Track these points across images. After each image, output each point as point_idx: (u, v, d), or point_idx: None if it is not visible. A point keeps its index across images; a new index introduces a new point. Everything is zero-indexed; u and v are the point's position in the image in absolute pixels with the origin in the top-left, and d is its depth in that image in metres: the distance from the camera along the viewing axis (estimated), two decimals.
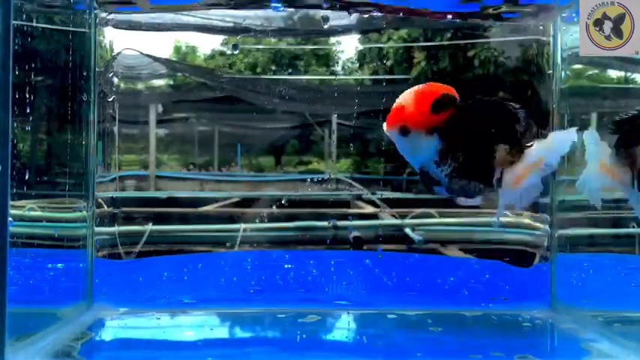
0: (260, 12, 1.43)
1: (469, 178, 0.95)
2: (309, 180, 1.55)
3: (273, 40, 1.56)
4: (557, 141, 0.95)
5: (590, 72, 1.38)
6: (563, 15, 1.36)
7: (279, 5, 1.37)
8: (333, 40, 1.55)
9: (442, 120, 0.91)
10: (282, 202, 1.52)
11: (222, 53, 1.56)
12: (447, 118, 0.91)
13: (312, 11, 1.46)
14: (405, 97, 0.92)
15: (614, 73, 1.34)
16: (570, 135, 0.95)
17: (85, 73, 1.30)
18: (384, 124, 0.94)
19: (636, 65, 1.24)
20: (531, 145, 0.95)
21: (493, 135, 0.93)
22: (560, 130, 0.96)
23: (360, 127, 1.51)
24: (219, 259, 1.50)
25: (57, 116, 1.24)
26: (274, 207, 1.53)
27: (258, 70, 1.56)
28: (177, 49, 1.55)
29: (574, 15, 1.29)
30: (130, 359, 1.12)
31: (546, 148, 0.95)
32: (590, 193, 0.98)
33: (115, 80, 1.41)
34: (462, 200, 1.00)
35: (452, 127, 0.92)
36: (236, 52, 1.52)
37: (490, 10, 1.41)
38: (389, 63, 1.61)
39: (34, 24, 1.06)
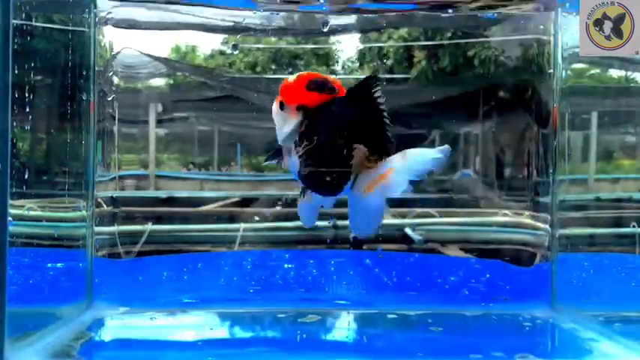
0: (259, 12, 1.43)
1: (320, 166, 0.95)
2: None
3: (273, 39, 1.56)
4: (413, 157, 0.95)
5: (591, 71, 1.38)
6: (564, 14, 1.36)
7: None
8: (333, 39, 1.55)
9: (314, 102, 0.93)
10: (281, 202, 1.52)
11: (222, 52, 1.56)
12: (319, 102, 0.93)
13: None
14: (291, 77, 0.97)
15: (614, 73, 1.34)
16: (429, 153, 0.95)
17: (84, 73, 1.30)
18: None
19: (636, 65, 1.23)
20: (388, 156, 0.95)
21: (357, 133, 0.94)
22: (419, 148, 0.95)
23: None
24: (219, 259, 1.50)
25: (56, 116, 1.23)
26: (276, 206, 1.53)
27: (258, 69, 1.56)
28: (177, 49, 1.55)
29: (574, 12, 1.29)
30: (130, 359, 1.12)
31: (399, 162, 0.94)
32: None
33: (115, 79, 1.40)
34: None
35: (319, 110, 0.93)
36: (236, 52, 1.51)
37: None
38: (389, 62, 1.60)
39: (34, 23, 1.06)
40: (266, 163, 1.06)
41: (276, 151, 1.01)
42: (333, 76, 0.98)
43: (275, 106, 0.98)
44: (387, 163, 0.95)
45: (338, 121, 0.95)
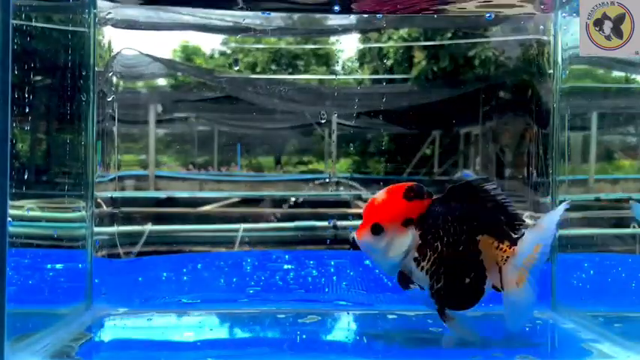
0: (259, 12, 1.43)
1: (455, 272, 0.88)
2: (310, 184, 1.55)
3: (273, 39, 1.55)
4: (549, 223, 0.90)
5: (591, 72, 1.38)
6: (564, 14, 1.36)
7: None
8: (333, 39, 1.54)
9: (417, 211, 0.88)
10: (291, 203, 1.51)
11: (222, 53, 1.55)
12: (421, 210, 0.88)
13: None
14: (376, 197, 0.91)
15: (614, 73, 1.34)
16: (558, 213, 0.91)
17: (84, 73, 1.30)
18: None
19: (636, 65, 1.23)
20: (522, 235, 0.90)
21: (477, 224, 0.89)
22: (550, 212, 0.91)
23: (360, 127, 1.51)
24: (219, 259, 1.50)
25: (56, 116, 1.23)
26: (285, 206, 1.53)
27: (258, 69, 1.55)
28: (177, 49, 1.54)
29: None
30: (129, 359, 1.12)
31: (541, 234, 0.89)
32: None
33: (115, 80, 1.40)
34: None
35: (428, 217, 0.88)
36: (236, 67, 1.51)
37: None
38: (389, 62, 1.60)
39: (34, 23, 1.05)
40: (407, 289, 0.96)
41: (402, 278, 0.92)
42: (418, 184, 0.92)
43: (365, 236, 0.90)
44: (529, 242, 0.88)
45: (455, 219, 0.88)
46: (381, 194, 0.90)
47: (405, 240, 0.88)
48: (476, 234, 0.88)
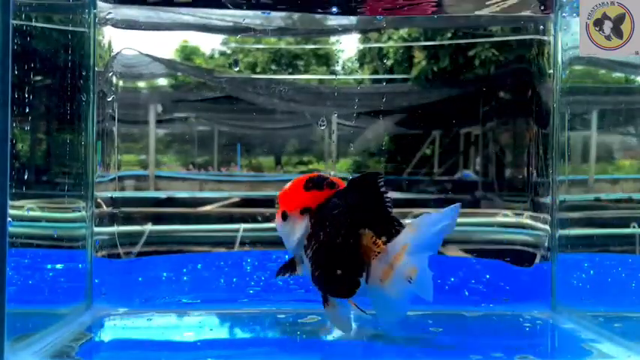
0: (259, 11, 1.43)
1: (329, 262, 0.91)
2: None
3: (273, 39, 1.55)
4: (423, 224, 0.91)
5: (591, 72, 1.38)
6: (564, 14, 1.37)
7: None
8: (333, 39, 1.54)
9: (316, 201, 0.92)
10: None
11: (222, 53, 1.55)
12: (321, 201, 0.91)
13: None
14: (286, 185, 0.95)
15: (614, 73, 1.34)
16: (438, 219, 0.90)
17: (84, 73, 1.30)
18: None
19: (636, 66, 1.23)
20: (397, 233, 0.92)
21: (362, 219, 0.91)
22: (427, 215, 0.91)
23: (360, 127, 1.51)
24: (219, 259, 1.50)
25: (56, 116, 1.23)
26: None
27: (258, 69, 1.55)
28: (177, 49, 1.54)
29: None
30: (129, 359, 1.12)
31: (411, 235, 0.90)
32: None
33: (115, 80, 1.40)
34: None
35: (323, 208, 0.92)
36: (236, 68, 1.51)
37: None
38: (389, 62, 1.60)
39: (34, 23, 1.05)
40: (278, 277, 1.01)
41: (286, 264, 0.97)
42: (327, 174, 0.96)
43: (278, 220, 0.95)
44: (398, 241, 0.90)
45: (344, 212, 0.91)
46: (288, 184, 0.95)
47: (300, 228, 0.92)
48: (358, 227, 0.90)
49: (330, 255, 0.92)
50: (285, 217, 0.94)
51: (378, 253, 0.91)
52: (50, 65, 1.18)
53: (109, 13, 1.37)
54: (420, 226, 0.90)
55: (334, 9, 1.41)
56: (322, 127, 1.17)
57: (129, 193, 1.47)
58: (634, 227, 1.27)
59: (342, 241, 0.91)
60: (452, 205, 0.91)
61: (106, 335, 1.22)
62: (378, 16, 1.47)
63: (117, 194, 1.41)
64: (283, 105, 1.51)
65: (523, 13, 1.45)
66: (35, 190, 1.12)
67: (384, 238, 0.92)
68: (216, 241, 1.52)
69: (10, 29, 0.88)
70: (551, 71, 1.39)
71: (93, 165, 1.34)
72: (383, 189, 0.93)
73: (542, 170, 1.42)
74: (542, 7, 1.42)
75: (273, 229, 1.54)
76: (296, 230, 0.93)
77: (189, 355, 1.11)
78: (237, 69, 1.51)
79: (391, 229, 0.92)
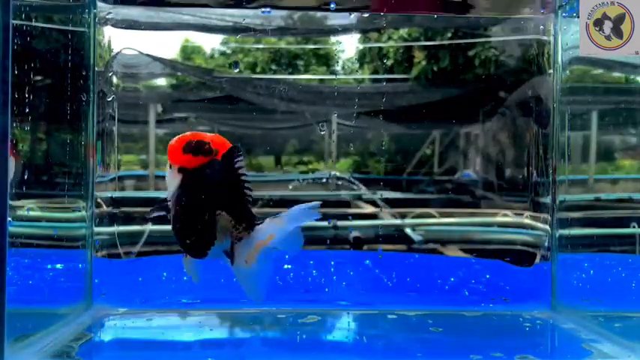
0: (259, 11, 1.43)
1: (185, 228, 0.96)
2: (300, 180, 1.55)
3: (273, 39, 1.55)
4: (289, 218, 0.95)
5: (591, 72, 1.38)
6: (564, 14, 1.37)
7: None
8: (333, 39, 1.54)
9: (191, 164, 0.95)
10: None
11: (222, 53, 1.55)
12: (195, 165, 0.94)
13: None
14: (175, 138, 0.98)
15: (614, 73, 1.34)
16: (303, 212, 0.95)
17: (84, 73, 1.30)
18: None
19: (636, 66, 1.23)
20: (261, 223, 0.96)
21: (223, 199, 0.95)
22: (293, 209, 0.95)
23: (360, 127, 1.51)
24: (219, 259, 1.50)
25: (56, 116, 1.23)
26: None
27: (258, 69, 1.55)
28: (177, 49, 1.54)
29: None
30: (129, 359, 1.12)
31: (278, 227, 0.95)
32: None
33: (115, 80, 1.40)
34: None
35: (193, 173, 0.95)
36: (236, 70, 1.51)
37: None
38: (389, 62, 1.60)
39: (34, 23, 1.05)
40: (151, 215, 1.05)
41: (161, 204, 1.01)
42: (212, 135, 0.98)
43: (167, 166, 0.99)
44: (264, 230, 0.95)
45: (206, 185, 0.95)
46: (176, 138, 0.98)
47: (175, 182, 0.96)
48: (219, 206, 0.95)
49: (187, 219, 0.96)
50: (170, 166, 0.98)
51: (241, 237, 0.95)
52: (50, 65, 1.18)
53: (109, 13, 1.37)
54: (287, 221, 0.95)
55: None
56: (322, 132, 1.18)
57: (129, 193, 1.47)
58: (634, 227, 1.27)
59: (199, 213, 0.96)
60: (313, 203, 0.96)
61: (106, 335, 1.22)
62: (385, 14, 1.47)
63: (117, 194, 1.41)
64: (283, 105, 1.51)
65: (523, 13, 1.45)
66: (35, 190, 1.12)
67: (242, 226, 0.96)
68: None
69: (10, 29, 0.88)
70: (551, 71, 1.39)
71: (93, 165, 1.34)
72: (239, 165, 0.96)
73: (542, 170, 1.42)
74: (542, 7, 1.42)
75: None
76: (173, 183, 0.97)
77: (189, 355, 1.11)
78: (237, 70, 1.51)
79: (248, 216, 0.97)
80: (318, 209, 0.95)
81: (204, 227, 0.96)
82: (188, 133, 0.98)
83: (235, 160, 0.97)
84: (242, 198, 0.96)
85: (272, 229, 0.95)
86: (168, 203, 0.99)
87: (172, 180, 0.97)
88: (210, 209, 0.95)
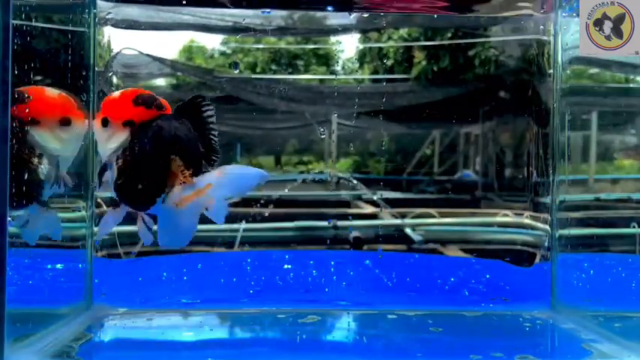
0: (259, 11, 1.43)
1: (135, 177, 0.95)
2: (299, 180, 1.55)
3: (273, 39, 1.55)
4: (231, 174, 0.96)
5: (591, 71, 1.38)
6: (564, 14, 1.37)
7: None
8: (333, 39, 1.55)
9: (140, 117, 0.95)
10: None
11: (222, 53, 1.56)
12: (145, 118, 0.95)
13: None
14: (115, 93, 0.98)
15: (614, 73, 1.34)
16: (248, 170, 0.97)
17: (84, 73, 1.30)
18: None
19: (636, 65, 1.24)
20: (205, 172, 0.96)
21: (177, 146, 0.95)
22: (238, 165, 0.96)
23: (360, 127, 1.51)
24: (219, 259, 1.50)
25: None
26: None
27: (258, 69, 1.55)
28: (177, 49, 1.54)
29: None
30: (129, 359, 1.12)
31: (216, 178, 0.95)
32: None
33: (115, 80, 1.40)
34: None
35: (145, 126, 0.95)
36: (236, 71, 1.51)
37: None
38: (389, 62, 1.60)
39: (34, 23, 1.05)
40: (97, 188, 1.05)
41: (101, 169, 1.00)
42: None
43: (97, 123, 0.97)
44: (204, 179, 0.95)
45: (160, 135, 0.95)
46: (117, 93, 0.97)
47: (118, 138, 0.95)
48: (170, 153, 0.95)
49: (137, 168, 0.95)
50: (105, 123, 0.96)
51: (184, 182, 0.95)
52: (50, 65, 1.18)
53: (109, 13, 1.37)
54: (226, 174, 0.95)
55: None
56: (322, 137, 1.18)
57: None
58: (634, 227, 1.27)
59: (152, 160, 0.95)
60: (263, 171, 0.97)
61: (106, 335, 1.22)
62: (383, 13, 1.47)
63: None
64: (283, 105, 1.51)
65: (523, 13, 1.45)
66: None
67: (191, 170, 0.96)
68: (216, 241, 1.51)
69: (10, 29, 0.88)
70: (551, 71, 1.39)
71: (93, 165, 1.34)
72: (208, 114, 0.96)
73: (542, 170, 1.42)
74: (542, 7, 1.42)
75: (273, 229, 1.55)
76: (114, 139, 0.95)
77: (189, 355, 1.11)
78: (237, 71, 1.51)
79: (201, 164, 0.97)
80: (265, 178, 0.95)
81: (156, 174, 0.95)
82: (129, 88, 0.98)
83: (204, 109, 0.96)
84: (208, 145, 0.97)
85: (211, 179, 0.95)
86: (109, 163, 0.97)
87: (114, 136, 0.95)
88: (166, 156, 0.95)
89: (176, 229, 0.97)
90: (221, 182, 0.95)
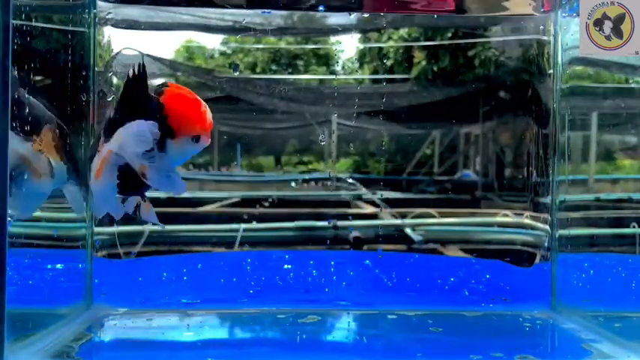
0: (259, 11, 1.43)
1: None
2: (297, 181, 1.55)
3: (273, 39, 1.56)
4: (126, 134, 0.92)
5: (591, 72, 1.38)
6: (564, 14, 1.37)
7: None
8: (333, 39, 1.55)
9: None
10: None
11: (222, 53, 1.56)
12: None
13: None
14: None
15: (614, 73, 1.34)
16: (139, 127, 0.91)
17: (84, 73, 1.30)
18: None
19: (636, 65, 1.23)
20: (108, 139, 0.94)
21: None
22: (131, 124, 0.92)
23: (360, 127, 1.51)
24: (219, 259, 1.50)
25: (56, 116, 1.23)
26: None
27: (258, 69, 1.56)
28: (177, 49, 1.54)
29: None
30: (129, 359, 1.12)
31: (115, 141, 0.93)
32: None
33: (115, 80, 1.40)
34: None
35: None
36: (236, 73, 1.51)
37: None
38: (389, 62, 1.60)
39: (34, 23, 1.05)
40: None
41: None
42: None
43: (187, 139, 0.94)
44: (107, 145, 0.93)
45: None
46: (204, 106, 0.94)
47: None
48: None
49: None
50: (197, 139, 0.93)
51: (98, 150, 0.95)
52: (50, 65, 1.18)
53: (109, 13, 1.37)
54: (123, 136, 0.92)
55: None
56: (322, 143, 1.18)
57: None
58: (634, 227, 1.27)
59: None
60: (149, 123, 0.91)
61: (106, 335, 1.22)
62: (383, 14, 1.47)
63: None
64: (283, 105, 1.51)
65: (523, 13, 1.45)
66: None
67: (102, 138, 0.95)
68: (216, 241, 1.52)
69: (10, 29, 0.88)
70: (551, 71, 1.39)
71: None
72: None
73: (542, 170, 1.42)
74: (542, 7, 1.42)
75: (273, 229, 1.55)
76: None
77: (189, 355, 1.11)
78: (237, 73, 1.51)
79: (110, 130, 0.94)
80: (154, 137, 0.90)
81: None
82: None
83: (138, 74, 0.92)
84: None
85: (111, 146, 0.93)
86: None
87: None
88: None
89: (100, 198, 0.96)
90: (119, 146, 0.92)
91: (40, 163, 1.00)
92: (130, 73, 0.92)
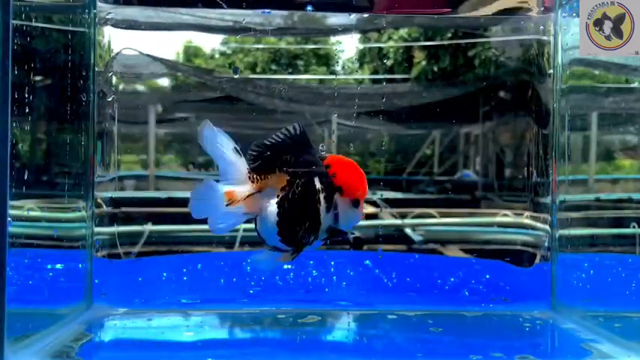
0: (259, 11, 1.43)
1: None
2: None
3: (273, 39, 1.55)
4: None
5: (591, 72, 1.38)
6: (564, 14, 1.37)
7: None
8: (333, 39, 1.54)
9: None
10: None
11: (222, 53, 1.55)
12: None
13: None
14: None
15: (614, 73, 1.34)
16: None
17: (84, 73, 1.30)
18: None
19: (636, 66, 1.23)
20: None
21: None
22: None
23: (360, 127, 1.51)
24: (219, 259, 1.50)
25: (56, 116, 1.23)
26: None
27: (258, 69, 1.55)
28: (177, 49, 1.54)
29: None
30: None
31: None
32: None
33: (115, 80, 1.40)
34: None
35: None
36: (236, 76, 1.51)
37: None
38: (389, 62, 1.60)
39: (34, 23, 1.06)
40: None
41: None
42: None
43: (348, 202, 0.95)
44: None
45: None
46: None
47: None
48: None
49: None
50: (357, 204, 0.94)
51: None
52: (50, 65, 1.18)
53: (109, 13, 1.37)
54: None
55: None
56: (323, 152, 1.18)
57: (129, 193, 1.47)
58: (634, 227, 1.27)
59: None
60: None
61: (106, 335, 1.22)
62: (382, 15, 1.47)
63: (117, 194, 1.41)
64: (283, 105, 1.51)
65: (523, 13, 1.45)
66: (35, 190, 1.12)
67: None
68: (216, 241, 1.51)
69: (10, 29, 0.88)
70: (551, 71, 1.40)
71: (93, 165, 1.34)
72: None
73: (542, 170, 1.42)
74: (542, 7, 1.42)
75: None
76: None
77: (189, 355, 1.11)
78: (237, 76, 1.51)
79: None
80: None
81: None
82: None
83: None
84: None
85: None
86: None
87: None
88: None
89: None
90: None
91: None
92: (291, 129, 0.96)
